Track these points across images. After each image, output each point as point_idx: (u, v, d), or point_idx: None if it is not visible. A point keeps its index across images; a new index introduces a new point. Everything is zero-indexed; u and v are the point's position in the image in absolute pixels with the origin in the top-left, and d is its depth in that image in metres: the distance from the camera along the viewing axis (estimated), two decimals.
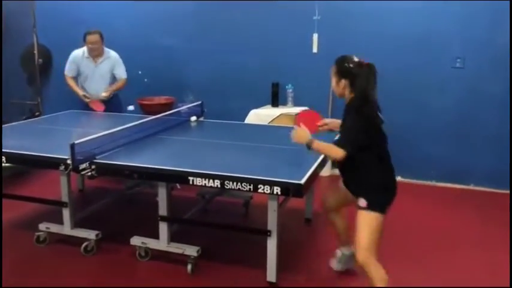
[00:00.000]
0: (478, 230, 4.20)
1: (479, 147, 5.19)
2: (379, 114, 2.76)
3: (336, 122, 3.12)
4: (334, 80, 2.84)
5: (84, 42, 5.08)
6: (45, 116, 5.24)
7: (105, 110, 5.15)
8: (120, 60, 5.24)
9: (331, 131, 3.17)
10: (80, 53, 5.18)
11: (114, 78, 5.26)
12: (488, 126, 5.11)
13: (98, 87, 5.19)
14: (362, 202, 2.72)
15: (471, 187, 5.29)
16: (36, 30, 6.18)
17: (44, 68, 6.51)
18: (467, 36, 5.04)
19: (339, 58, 2.83)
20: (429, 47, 5.18)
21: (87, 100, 5.16)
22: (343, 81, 2.77)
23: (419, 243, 3.93)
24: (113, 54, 5.22)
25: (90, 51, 5.11)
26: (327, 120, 3.22)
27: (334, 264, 3.39)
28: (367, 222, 2.69)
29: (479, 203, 4.86)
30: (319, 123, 3.16)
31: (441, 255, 3.71)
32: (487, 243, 3.92)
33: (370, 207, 2.69)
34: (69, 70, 5.25)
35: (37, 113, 6.15)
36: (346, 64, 2.77)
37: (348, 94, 2.80)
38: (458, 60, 5.10)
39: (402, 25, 5.22)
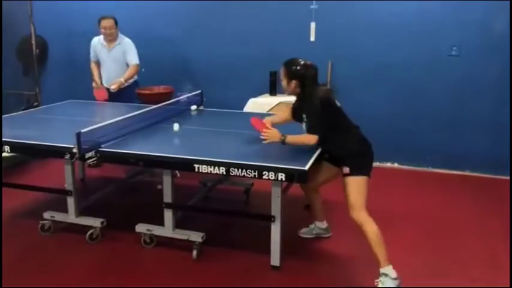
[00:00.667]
0: (474, 215, 4.28)
1: (474, 133, 5.28)
2: (331, 94, 3.21)
3: (278, 117, 3.61)
4: (285, 81, 3.22)
5: (98, 26, 5.16)
6: (45, 106, 5.25)
7: (109, 99, 5.21)
8: (133, 46, 5.27)
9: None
10: (96, 39, 5.31)
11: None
12: (483, 112, 5.20)
13: (111, 72, 5.27)
14: (345, 169, 3.08)
15: (467, 173, 5.38)
16: (33, 21, 6.16)
17: (40, 58, 6.50)
18: (463, 24, 5.10)
19: (287, 61, 3.22)
20: (425, 35, 5.24)
21: (94, 86, 5.23)
22: (294, 82, 3.17)
23: (415, 228, 4.01)
24: (126, 40, 5.26)
25: (104, 35, 5.19)
26: (270, 120, 3.51)
27: (304, 232, 3.80)
28: (353, 185, 3.05)
29: (475, 188, 4.95)
30: (268, 125, 3.40)
31: (438, 240, 3.79)
32: (484, 229, 3.99)
33: (353, 172, 3.05)
34: (91, 56, 5.40)
35: (35, 103, 6.16)
36: (294, 67, 3.16)
37: (298, 91, 3.21)
38: (454, 48, 5.17)
39: (398, 13, 5.27)
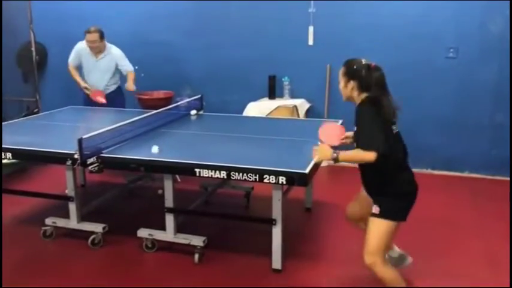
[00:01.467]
0: (473, 216, 4.30)
1: (473, 135, 5.30)
2: (394, 118, 2.74)
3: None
4: (342, 82, 2.78)
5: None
6: (45, 112, 5.27)
7: (108, 105, 5.22)
8: (123, 55, 5.27)
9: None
10: (84, 45, 5.22)
11: (116, 73, 5.34)
12: (481, 114, 5.22)
13: (97, 82, 5.27)
14: (375, 209, 2.72)
15: (466, 174, 5.41)
16: (33, 27, 6.19)
17: (39, 65, 6.53)
18: (460, 26, 5.14)
19: (347, 60, 2.80)
20: (423, 38, 5.26)
21: (87, 92, 5.24)
22: (352, 83, 2.73)
23: (415, 229, 3.97)
24: (114, 50, 5.25)
25: (89, 48, 5.18)
26: (349, 134, 2.99)
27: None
28: (376, 228, 2.70)
29: (474, 189, 4.97)
30: (342, 137, 2.99)
31: (438, 241, 3.81)
32: (483, 229, 4.01)
33: (383, 214, 2.69)
34: (72, 59, 5.34)
35: (36, 110, 6.18)
36: (355, 66, 2.73)
37: (356, 96, 2.75)
38: (452, 50, 5.20)
39: (396, 16, 5.30)
